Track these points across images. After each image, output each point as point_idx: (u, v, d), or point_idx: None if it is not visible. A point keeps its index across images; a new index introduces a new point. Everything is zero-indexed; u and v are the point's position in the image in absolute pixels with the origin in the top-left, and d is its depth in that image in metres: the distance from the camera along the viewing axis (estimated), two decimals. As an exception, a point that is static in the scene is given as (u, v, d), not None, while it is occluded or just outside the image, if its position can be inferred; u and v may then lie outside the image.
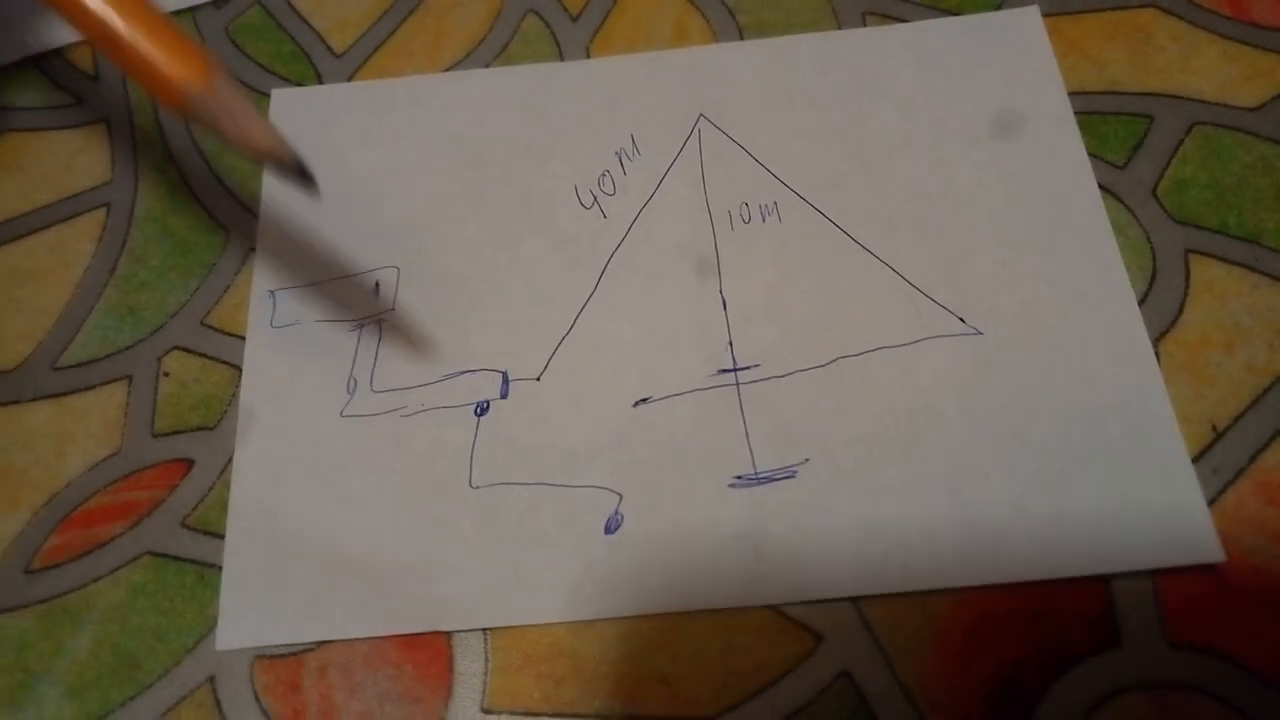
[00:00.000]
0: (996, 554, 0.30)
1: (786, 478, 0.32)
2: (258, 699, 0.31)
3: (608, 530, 0.32)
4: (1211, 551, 0.30)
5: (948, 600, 0.30)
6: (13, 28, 0.42)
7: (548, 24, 0.41)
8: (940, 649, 0.29)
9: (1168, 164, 0.36)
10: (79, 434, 0.35)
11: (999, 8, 0.39)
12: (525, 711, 0.30)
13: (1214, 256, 0.34)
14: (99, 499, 0.34)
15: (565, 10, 0.42)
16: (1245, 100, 0.37)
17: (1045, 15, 0.39)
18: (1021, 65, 0.38)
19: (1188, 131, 0.36)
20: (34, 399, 0.35)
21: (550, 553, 0.31)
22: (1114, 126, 0.36)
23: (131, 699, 0.31)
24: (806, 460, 0.32)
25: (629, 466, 0.32)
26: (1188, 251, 0.34)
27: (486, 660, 0.31)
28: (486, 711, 0.30)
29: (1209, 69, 0.37)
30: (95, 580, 0.32)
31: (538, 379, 0.34)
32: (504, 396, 0.34)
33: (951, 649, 0.29)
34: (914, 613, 0.30)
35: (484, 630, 0.31)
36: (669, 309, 0.35)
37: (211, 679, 0.31)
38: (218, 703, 0.31)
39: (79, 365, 0.36)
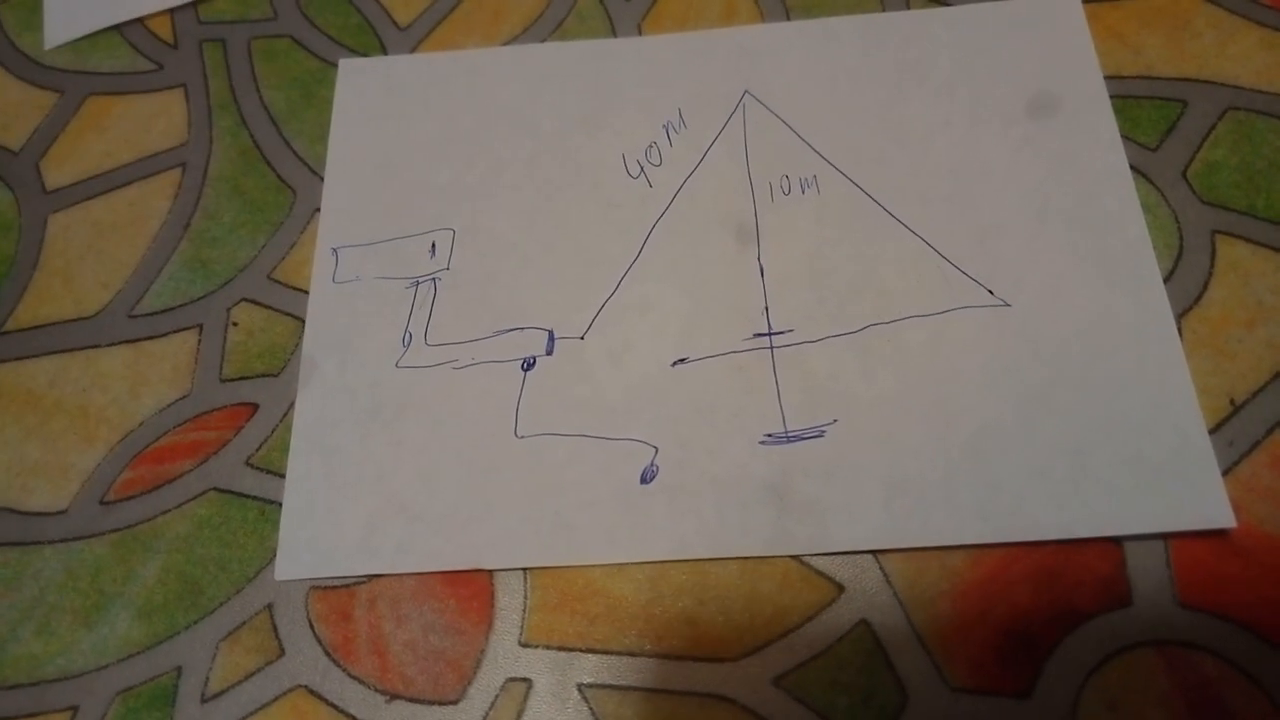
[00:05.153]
0: (1014, 514, 0.31)
1: (815, 437, 0.33)
2: (312, 626, 0.33)
3: (643, 480, 0.33)
4: (1223, 518, 0.30)
5: (965, 556, 0.31)
6: (98, -2, 0.44)
7: (602, 2, 0.43)
8: (956, 602, 0.31)
9: (1199, 147, 0.36)
10: (152, 377, 0.37)
11: (1040, -7, 0.40)
12: (560, 646, 0.32)
13: (1240, 237, 0.35)
14: (170, 438, 0.36)
15: (619, -11, 0.43)
16: (1280, 87, 0.37)
17: (1085, 1, 0.39)
18: (1059, 49, 0.38)
19: (1220, 116, 0.37)
20: (112, 344, 0.38)
21: (588, 499, 0.33)
22: (1148, 110, 0.37)
23: (196, 622, 0.33)
24: (835, 421, 0.33)
25: (665, 422, 0.34)
26: (1214, 232, 0.35)
27: (525, 598, 0.32)
28: (524, 645, 0.32)
29: (1245, 56, 0.38)
30: (164, 513, 0.35)
31: (582, 338, 0.36)
32: (549, 353, 0.35)
33: (967, 603, 0.31)
34: (933, 567, 0.31)
35: (524, 569, 0.33)
36: (709, 275, 0.36)
37: (270, 606, 0.33)
38: (275, 628, 0.33)
39: (154, 314, 0.38)
